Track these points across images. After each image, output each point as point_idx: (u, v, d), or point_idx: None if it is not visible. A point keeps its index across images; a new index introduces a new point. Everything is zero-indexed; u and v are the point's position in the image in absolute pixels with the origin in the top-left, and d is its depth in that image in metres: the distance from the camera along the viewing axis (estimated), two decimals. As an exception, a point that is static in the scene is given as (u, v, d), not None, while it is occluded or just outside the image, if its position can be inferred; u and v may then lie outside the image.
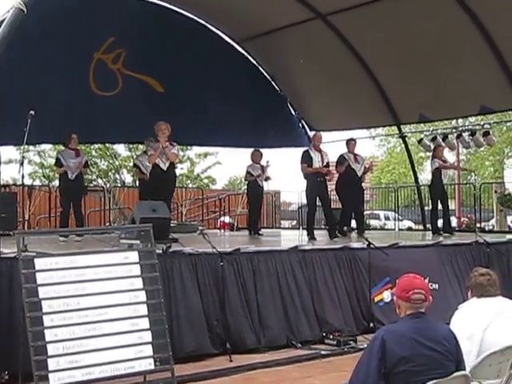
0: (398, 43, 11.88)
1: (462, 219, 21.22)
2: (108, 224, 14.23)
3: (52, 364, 4.79)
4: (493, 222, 20.60)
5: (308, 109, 15.03)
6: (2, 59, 6.53)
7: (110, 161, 22.48)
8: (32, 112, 7.50)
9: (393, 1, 11.19)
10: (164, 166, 9.30)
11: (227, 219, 15.74)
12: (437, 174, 11.86)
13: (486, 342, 3.84)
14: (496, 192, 19.29)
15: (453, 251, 9.44)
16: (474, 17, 10.82)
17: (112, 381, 5.09)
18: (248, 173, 12.25)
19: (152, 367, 5.27)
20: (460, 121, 15.41)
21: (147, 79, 13.21)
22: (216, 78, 13.21)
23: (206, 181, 23.79)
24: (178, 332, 6.57)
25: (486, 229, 15.76)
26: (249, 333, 7.13)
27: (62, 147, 11.07)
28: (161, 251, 6.65)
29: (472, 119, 17.73)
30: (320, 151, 10.54)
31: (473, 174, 23.49)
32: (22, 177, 8.26)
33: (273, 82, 14.83)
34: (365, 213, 14.05)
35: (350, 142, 11.61)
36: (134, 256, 5.51)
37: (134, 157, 16.05)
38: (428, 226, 13.20)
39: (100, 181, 22.18)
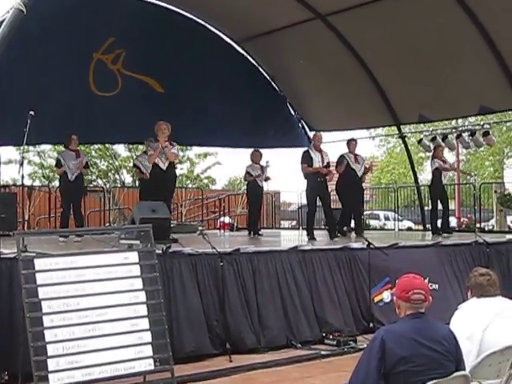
0: (397, 43, 11.89)
1: (461, 219, 21.20)
2: (108, 224, 14.24)
3: (52, 364, 4.79)
4: (492, 222, 20.57)
5: (308, 109, 15.03)
6: (2, 59, 6.53)
7: (110, 161, 22.51)
8: (32, 112, 7.51)
9: (393, 1, 11.20)
10: (163, 165, 9.30)
11: (227, 219, 15.73)
12: (436, 174, 11.85)
13: (485, 342, 3.84)
14: (496, 192, 19.27)
15: (452, 251, 9.43)
16: (473, 17, 10.83)
17: (112, 381, 5.09)
18: (247, 173, 12.24)
19: (152, 367, 5.27)
20: (460, 121, 15.44)
21: (147, 79, 13.21)
22: (216, 78, 13.21)
23: (205, 181, 23.82)
24: (177, 332, 6.57)
25: (486, 229, 15.77)
26: (248, 333, 7.12)
27: (62, 148, 11.08)
28: (161, 251, 6.64)
29: (472, 119, 17.74)
30: (320, 151, 10.54)
31: (470, 177, 23.46)
32: (22, 177, 8.26)
33: (273, 82, 14.83)
34: (365, 213, 14.05)
35: (351, 142, 11.61)
36: (133, 256, 5.51)
37: (134, 157, 16.07)
38: (428, 226, 13.20)
39: (100, 181, 22.21)
